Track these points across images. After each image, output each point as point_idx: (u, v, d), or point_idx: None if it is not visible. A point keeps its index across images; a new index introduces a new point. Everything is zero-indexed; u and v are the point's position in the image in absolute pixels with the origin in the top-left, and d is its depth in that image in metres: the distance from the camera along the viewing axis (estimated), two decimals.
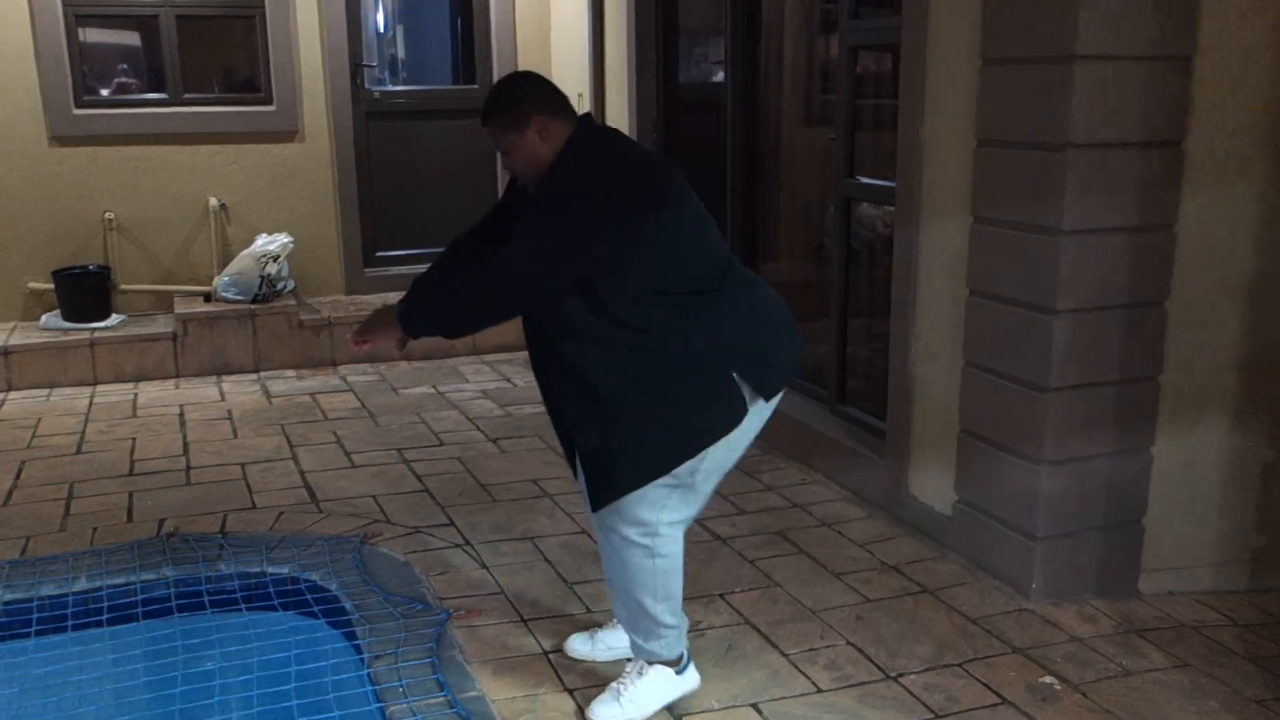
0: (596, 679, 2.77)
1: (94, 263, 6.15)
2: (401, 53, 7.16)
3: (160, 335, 5.86)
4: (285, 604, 3.28)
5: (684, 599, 2.69)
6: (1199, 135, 3.04)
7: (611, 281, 2.40)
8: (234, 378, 5.89)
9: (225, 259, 6.27)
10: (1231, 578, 3.30)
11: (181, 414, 5.21)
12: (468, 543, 3.66)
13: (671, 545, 2.59)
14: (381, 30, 6.93)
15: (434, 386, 5.66)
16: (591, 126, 2.58)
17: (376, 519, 3.86)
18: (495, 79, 6.41)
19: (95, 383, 5.74)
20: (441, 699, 2.68)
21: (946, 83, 3.41)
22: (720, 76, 5.16)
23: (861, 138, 4.17)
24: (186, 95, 6.28)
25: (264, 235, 6.25)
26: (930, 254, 3.55)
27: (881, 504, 3.89)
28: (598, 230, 2.38)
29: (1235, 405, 3.21)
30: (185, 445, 4.72)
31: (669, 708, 2.68)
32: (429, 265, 2.77)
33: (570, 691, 2.76)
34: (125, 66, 6.34)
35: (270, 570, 3.43)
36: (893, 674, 2.85)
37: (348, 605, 3.18)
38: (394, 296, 2.90)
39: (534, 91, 2.53)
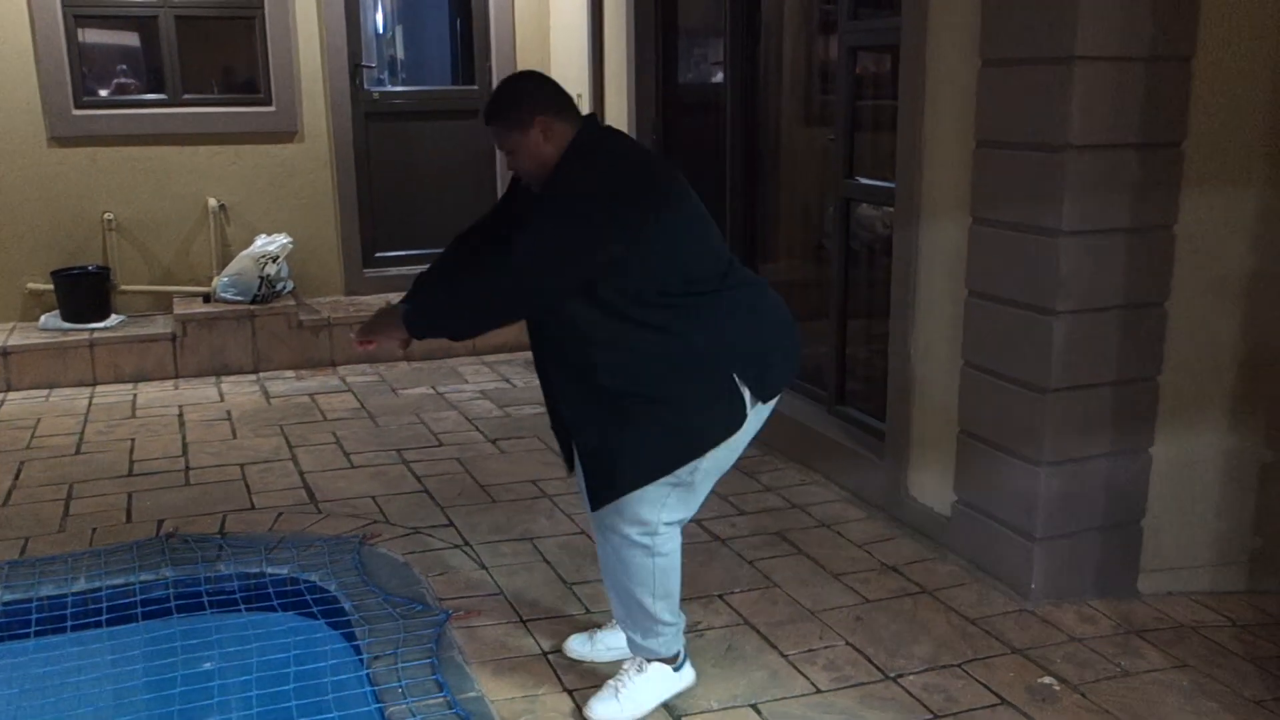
0: (596, 679, 2.77)
1: (93, 263, 6.15)
2: (401, 53, 7.16)
3: (159, 336, 5.86)
4: (284, 604, 3.28)
5: (683, 599, 2.70)
6: (1198, 136, 3.04)
7: (613, 282, 2.40)
8: (233, 378, 5.88)
9: (224, 259, 6.27)
10: (1230, 578, 3.30)
11: (181, 414, 5.20)
12: (467, 543, 3.66)
13: (671, 543, 2.60)
14: (381, 31, 6.93)
15: (433, 387, 5.66)
16: (596, 127, 2.57)
17: (376, 520, 3.86)
18: (495, 79, 6.46)
19: (94, 383, 5.74)
20: (441, 699, 2.68)
21: (946, 84, 3.41)
22: (720, 77, 5.16)
23: (861, 138, 4.17)
24: (186, 96, 6.28)
25: (263, 236, 6.25)
26: (929, 255, 3.55)
27: (881, 505, 3.89)
28: (602, 232, 2.38)
29: (1234, 406, 3.21)
30: (184, 446, 4.72)
31: (668, 707, 2.68)
32: (430, 264, 2.77)
33: (569, 692, 2.76)
34: (124, 67, 6.33)
35: (269, 571, 3.43)
36: (892, 674, 2.85)
37: (347, 606, 3.18)
38: (394, 297, 2.90)
39: (538, 91, 2.52)
